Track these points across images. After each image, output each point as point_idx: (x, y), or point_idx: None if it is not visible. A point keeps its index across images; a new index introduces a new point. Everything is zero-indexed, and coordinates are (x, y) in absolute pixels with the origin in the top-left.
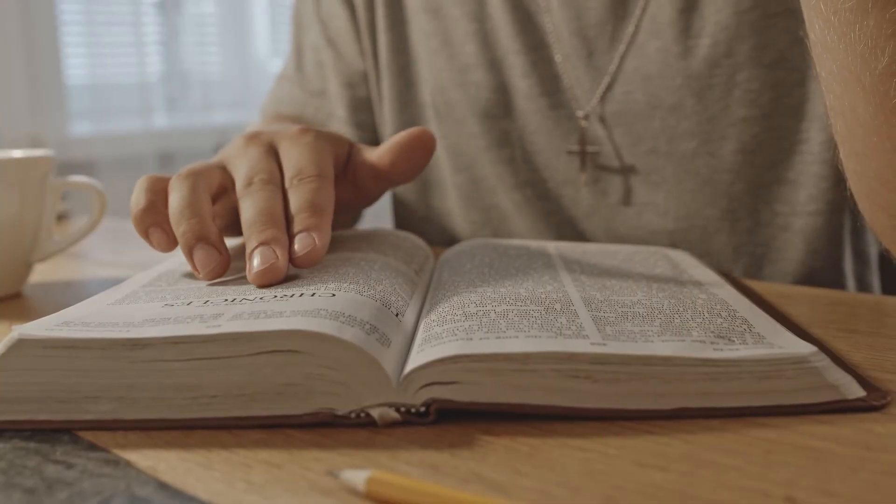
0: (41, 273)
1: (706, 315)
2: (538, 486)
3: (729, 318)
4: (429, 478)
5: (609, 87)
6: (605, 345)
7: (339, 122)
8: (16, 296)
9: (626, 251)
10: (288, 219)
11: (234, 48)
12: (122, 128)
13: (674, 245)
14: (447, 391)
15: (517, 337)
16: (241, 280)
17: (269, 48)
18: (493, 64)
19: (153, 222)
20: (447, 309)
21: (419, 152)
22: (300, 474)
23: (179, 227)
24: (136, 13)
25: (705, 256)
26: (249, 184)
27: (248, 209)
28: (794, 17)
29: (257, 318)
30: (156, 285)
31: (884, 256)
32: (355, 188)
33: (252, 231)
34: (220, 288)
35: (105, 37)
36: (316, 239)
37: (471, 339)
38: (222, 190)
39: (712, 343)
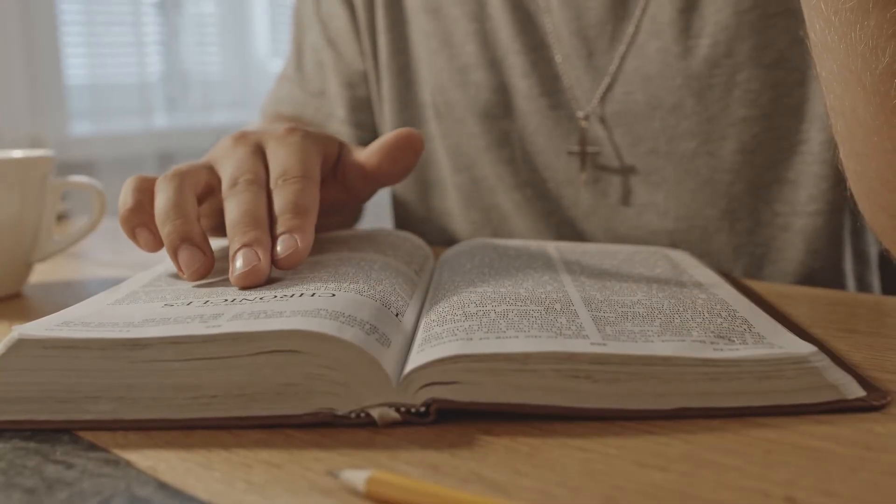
0: (41, 273)
1: (706, 315)
2: (538, 486)
3: (729, 318)
4: (429, 478)
5: (609, 88)
6: (605, 345)
7: (339, 123)
8: (16, 296)
9: (626, 251)
10: (272, 219)
11: (234, 48)
12: (122, 128)
13: (674, 245)
14: (447, 391)
15: (517, 337)
16: (227, 281)
17: (269, 48)
18: (493, 64)
19: (139, 222)
20: (447, 309)
21: (406, 153)
22: (300, 474)
23: (164, 228)
24: (136, 13)
25: (705, 256)
26: (234, 184)
27: (232, 210)
28: (794, 16)
29: (257, 318)
30: (156, 285)
31: (884, 256)
32: (345, 188)
33: (235, 232)
34: (220, 288)
35: (105, 37)
36: (298, 241)
37: (471, 339)
38: (209, 190)
39: (712, 343)
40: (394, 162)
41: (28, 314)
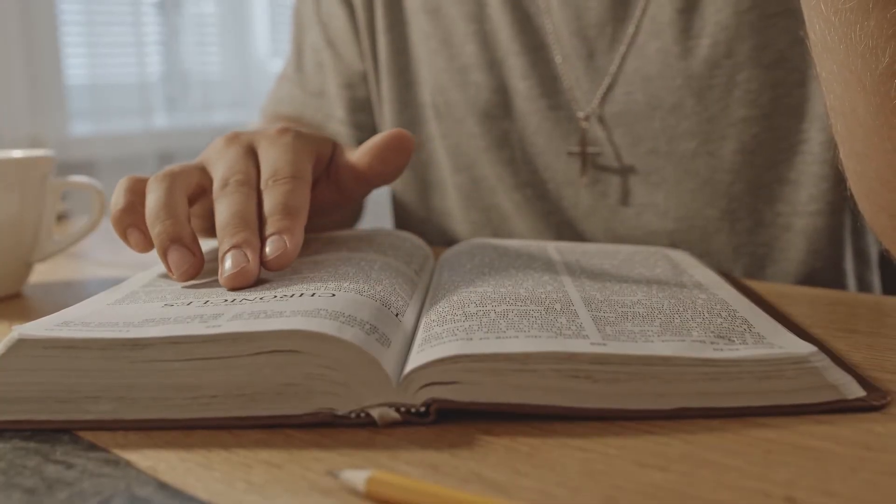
0: (41, 273)
1: (706, 315)
2: (538, 486)
3: (729, 318)
4: (429, 478)
5: (609, 88)
6: (605, 345)
7: (338, 123)
8: (16, 296)
9: (626, 251)
10: (262, 220)
11: (234, 48)
12: (122, 128)
13: (674, 245)
14: (447, 391)
15: (517, 337)
16: (216, 282)
17: (269, 48)
18: (493, 65)
19: (130, 223)
20: (447, 309)
21: (397, 154)
22: (300, 474)
23: (155, 229)
24: (136, 13)
25: (705, 257)
26: (225, 185)
27: (222, 211)
28: (793, 16)
29: (257, 318)
30: (155, 285)
31: (884, 256)
32: (338, 189)
33: (224, 234)
34: (220, 288)
35: (105, 37)
36: (287, 242)
37: (471, 339)
38: (201, 191)
39: (712, 343)
40: (385, 162)
41: (28, 314)
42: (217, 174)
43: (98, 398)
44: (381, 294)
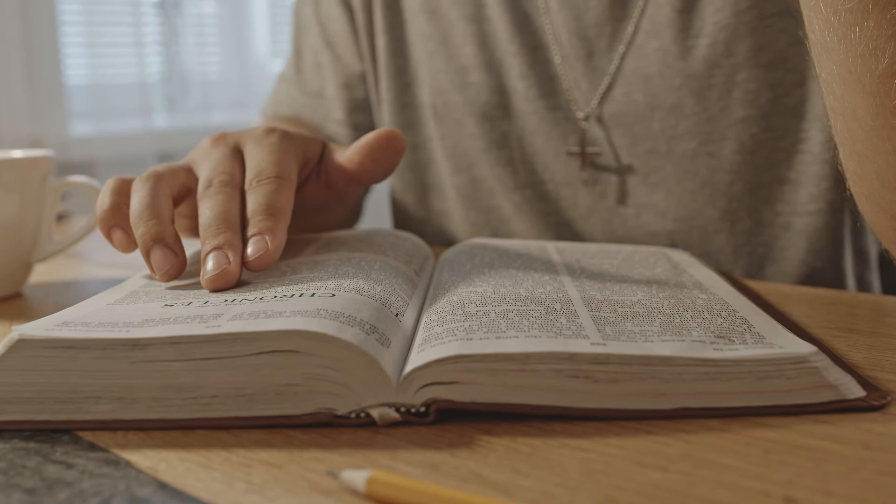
0: (41, 273)
1: (706, 315)
2: (538, 486)
3: (729, 318)
4: (429, 478)
5: (609, 88)
6: (604, 345)
7: (337, 124)
8: (16, 296)
9: (625, 251)
10: (246, 221)
11: (234, 48)
12: (122, 128)
13: (673, 246)
14: (447, 391)
15: (517, 337)
16: (199, 283)
17: (269, 48)
18: (492, 65)
19: (115, 223)
20: (447, 309)
21: (387, 153)
22: (300, 474)
23: (138, 229)
24: (136, 13)
25: (705, 257)
26: (209, 186)
27: (205, 212)
28: (792, 17)
29: (257, 318)
30: (155, 285)
31: (884, 256)
32: (329, 188)
33: (207, 235)
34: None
35: (105, 37)
36: (269, 242)
37: (471, 339)
38: (186, 191)
39: (712, 343)
40: (376, 162)
41: (28, 314)
42: (202, 174)
43: (98, 398)
44: (381, 294)
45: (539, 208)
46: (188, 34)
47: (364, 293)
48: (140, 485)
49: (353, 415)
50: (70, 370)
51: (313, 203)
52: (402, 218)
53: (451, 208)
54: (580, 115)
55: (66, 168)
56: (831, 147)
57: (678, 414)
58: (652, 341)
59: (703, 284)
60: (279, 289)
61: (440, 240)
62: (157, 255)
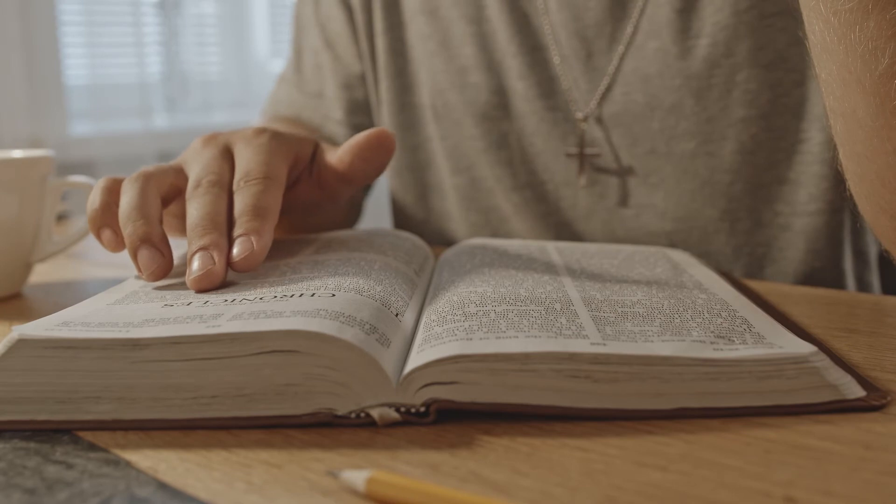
0: (41, 273)
1: (706, 315)
2: (538, 486)
3: (729, 318)
4: (429, 478)
5: (608, 89)
6: (604, 345)
7: (336, 125)
8: (16, 296)
9: (625, 251)
10: (232, 221)
11: (233, 48)
12: (122, 128)
13: (673, 246)
14: (447, 391)
15: (517, 337)
16: (184, 284)
17: (269, 48)
18: (491, 66)
19: (104, 223)
20: (447, 309)
21: (378, 152)
22: (300, 474)
23: (126, 229)
24: (136, 13)
25: (704, 257)
26: (197, 186)
27: (193, 212)
28: (792, 17)
29: (257, 318)
30: (155, 285)
31: (883, 256)
32: (321, 188)
33: (193, 235)
34: (220, 288)
35: (105, 37)
36: (254, 242)
37: (471, 339)
38: (176, 191)
39: (712, 343)
40: (366, 161)
41: (28, 314)
42: (192, 175)
43: (98, 398)
44: (381, 294)
45: (539, 209)
46: (188, 34)
47: (364, 293)
48: (140, 485)
49: (353, 415)
50: (70, 370)
51: (305, 202)
52: (402, 218)
53: (451, 209)
54: (579, 115)
55: (66, 168)
56: (831, 147)
57: (678, 414)
58: (652, 341)
59: (703, 284)
60: (279, 289)
61: (440, 240)
62: (144, 254)
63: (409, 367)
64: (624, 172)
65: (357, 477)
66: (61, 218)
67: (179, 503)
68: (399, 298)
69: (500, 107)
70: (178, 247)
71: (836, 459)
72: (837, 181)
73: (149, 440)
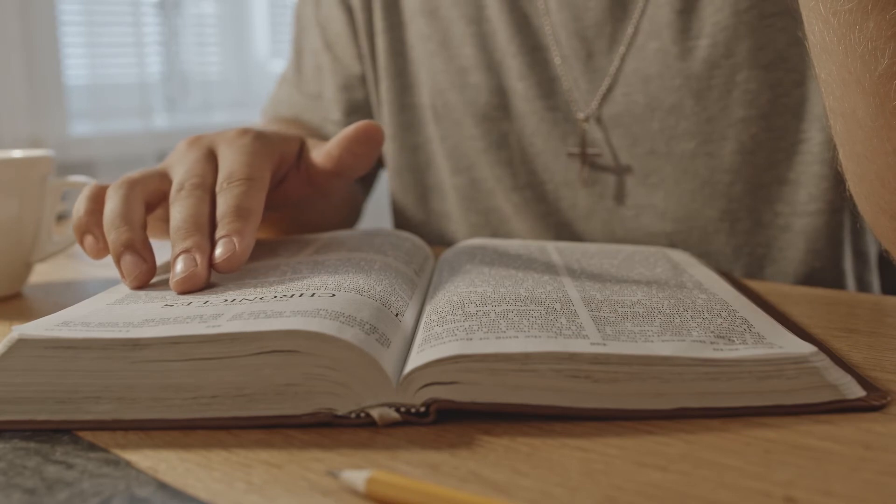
0: (41, 273)
1: (706, 315)
2: (538, 486)
3: (729, 318)
4: (429, 478)
5: (609, 89)
6: (604, 345)
7: (335, 125)
8: (16, 296)
9: (626, 251)
10: (216, 223)
11: (233, 48)
12: (122, 128)
13: (673, 246)
14: (447, 391)
15: (517, 337)
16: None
17: (269, 49)
18: (491, 66)
19: (87, 229)
20: (447, 309)
21: (365, 146)
22: (300, 474)
23: (110, 235)
24: (136, 13)
25: (704, 257)
26: (180, 189)
27: (175, 215)
28: (792, 17)
29: (257, 318)
30: (155, 285)
31: (883, 256)
32: (309, 183)
33: (176, 238)
34: (220, 288)
35: (105, 37)
36: (237, 244)
37: (471, 339)
38: (161, 195)
39: (712, 343)
40: (354, 155)
41: (28, 314)
42: (175, 178)
43: (98, 398)
44: (381, 294)
45: (539, 209)
46: (188, 34)
47: (364, 293)
48: (140, 485)
49: (353, 415)
50: (70, 370)
51: (295, 199)
52: (403, 219)
53: (451, 209)
54: (580, 115)
55: (66, 168)
56: (831, 147)
57: (678, 414)
58: (652, 341)
59: (703, 284)
60: (279, 289)
61: (440, 241)
62: (127, 260)
63: (409, 367)
64: (624, 172)
65: (357, 477)
66: (61, 218)
67: (179, 503)
68: (399, 298)
69: (500, 107)
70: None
71: (836, 459)
72: (837, 181)
73: (149, 440)
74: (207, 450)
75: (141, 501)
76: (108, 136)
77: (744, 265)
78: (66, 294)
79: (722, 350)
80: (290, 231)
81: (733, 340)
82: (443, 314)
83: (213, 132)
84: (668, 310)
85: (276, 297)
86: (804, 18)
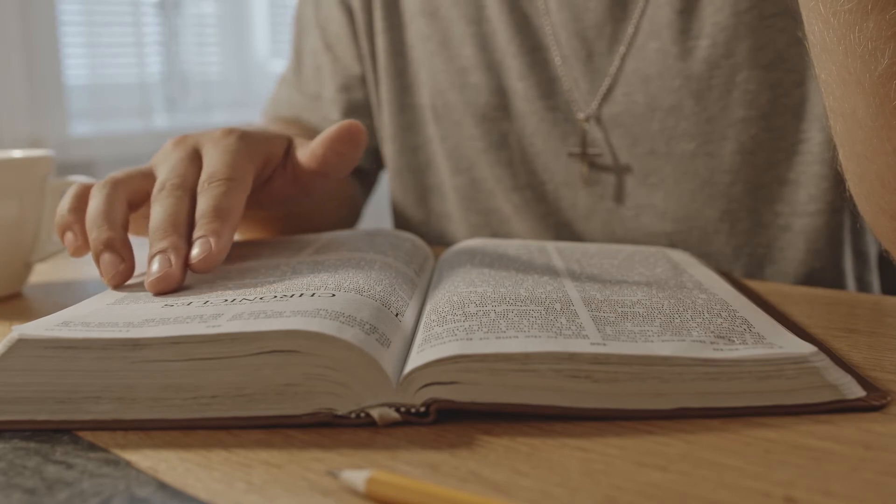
0: (41, 273)
1: (706, 315)
2: (537, 486)
3: (729, 318)
4: (429, 478)
5: (609, 89)
6: (604, 345)
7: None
8: (16, 296)
9: (626, 251)
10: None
11: (233, 48)
12: (122, 128)
13: (673, 246)
14: (447, 391)
15: (517, 337)
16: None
17: (269, 49)
18: (491, 66)
19: (68, 227)
20: (447, 309)
21: (348, 145)
22: (300, 474)
23: (91, 234)
24: (136, 13)
25: (704, 257)
26: (161, 189)
27: (154, 216)
28: (791, 17)
29: (257, 318)
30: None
31: (883, 257)
32: (295, 182)
33: (153, 238)
34: (220, 288)
35: (105, 37)
36: (213, 244)
37: (471, 339)
38: (145, 195)
39: (712, 343)
40: (337, 154)
41: (28, 314)
42: (158, 177)
43: (98, 398)
44: (381, 294)
45: (539, 209)
46: (188, 34)
47: (364, 293)
48: (140, 485)
49: (353, 415)
50: (70, 370)
51: (282, 198)
52: (403, 220)
53: (451, 210)
54: (580, 115)
55: (66, 168)
56: (831, 147)
57: (678, 414)
58: (652, 341)
59: (703, 284)
60: (279, 288)
61: (440, 241)
62: (106, 259)
63: (409, 367)
64: (624, 173)
65: (357, 477)
66: None
67: (179, 503)
68: (399, 298)
69: (500, 107)
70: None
71: (836, 459)
72: (837, 181)
73: (149, 440)
74: (207, 450)
75: (141, 501)
76: (108, 136)
77: (744, 265)
78: (66, 294)
79: (722, 350)
80: (286, 232)
81: (733, 340)
82: (443, 314)
83: (199, 132)
84: (668, 310)
85: (276, 296)
86: (804, 18)
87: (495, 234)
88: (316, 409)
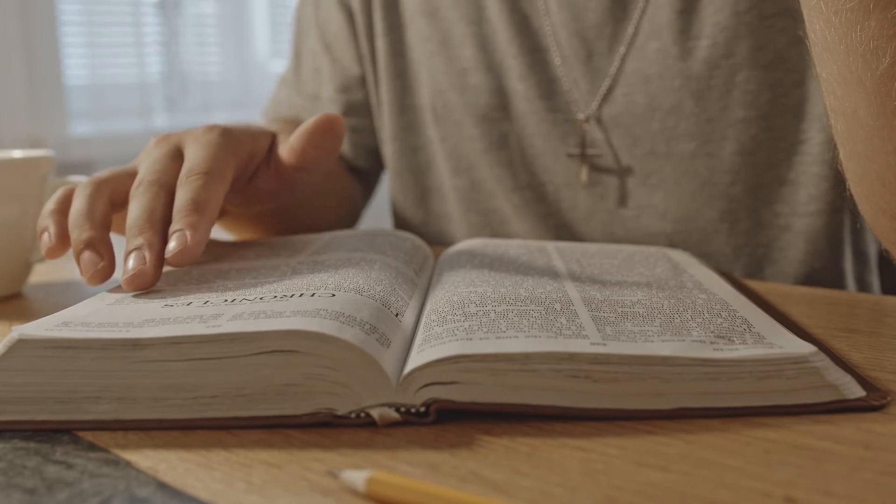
0: (41, 273)
1: (706, 315)
2: (537, 486)
3: (729, 318)
4: (429, 478)
5: (610, 90)
6: (604, 345)
7: None
8: (16, 296)
9: (626, 251)
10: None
11: (233, 48)
12: (122, 128)
13: (673, 247)
14: (447, 391)
15: (517, 337)
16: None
17: (269, 49)
18: (491, 67)
19: (44, 229)
20: (447, 309)
21: (326, 139)
22: (300, 474)
23: (73, 234)
24: (136, 13)
25: (704, 258)
26: (139, 186)
27: (130, 212)
28: (792, 17)
29: (257, 318)
30: (155, 285)
31: (883, 256)
32: (278, 177)
33: (129, 235)
34: (221, 288)
35: (105, 37)
36: (189, 237)
37: (471, 339)
38: (127, 193)
39: (712, 343)
40: (317, 147)
41: (28, 314)
42: (139, 175)
43: (98, 398)
44: (381, 294)
45: (539, 210)
46: (188, 34)
47: (364, 293)
48: (140, 485)
49: (353, 415)
50: (70, 370)
51: (267, 195)
52: (403, 220)
53: (451, 211)
54: (581, 116)
55: (66, 168)
56: (831, 147)
57: (678, 414)
58: (652, 341)
59: (703, 284)
60: (279, 288)
61: (440, 242)
62: (85, 258)
63: (409, 367)
64: (624, 173)
65: (357, 477)
66: None
67: (179, 503)
68: (399, 298)
69: (500, 108)
70: None
71: (836, 459)
72: (837, 181)
73: (149, 440)
74: (207, 450)
75: (141, 501)
76: (108, 136)
77: (744, 265)
78: (66, 294)
79: (722, 350)
80: (279, 230)
81: (733, 340)
82: (443, 314)
83: (182, 130)
84: (668, 310)
85: (276, 296)
86: (805, 17)
87: (495, 235)
88: (316, 409)
